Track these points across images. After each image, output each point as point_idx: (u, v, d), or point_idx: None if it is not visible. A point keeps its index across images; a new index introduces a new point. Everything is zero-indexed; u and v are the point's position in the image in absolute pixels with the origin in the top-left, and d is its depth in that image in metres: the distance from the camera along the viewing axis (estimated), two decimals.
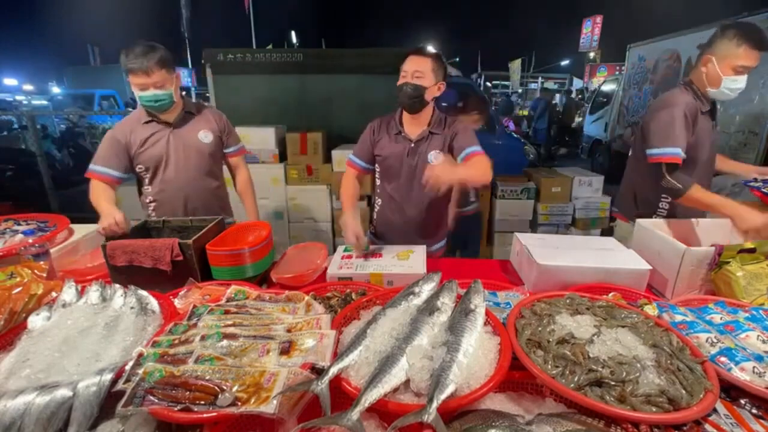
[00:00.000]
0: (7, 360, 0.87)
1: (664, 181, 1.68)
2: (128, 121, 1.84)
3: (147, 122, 1.81)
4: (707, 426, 0.77)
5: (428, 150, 1.74)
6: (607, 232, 3.66)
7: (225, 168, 2.13)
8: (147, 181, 1.88)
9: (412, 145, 1.75)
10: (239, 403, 0.71)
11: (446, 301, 0.99)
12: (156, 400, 0.72)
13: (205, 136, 1.89)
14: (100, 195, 1.69)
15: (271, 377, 0.76)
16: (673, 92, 1.77)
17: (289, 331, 0.92)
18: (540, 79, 23.43)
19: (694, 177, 1.74)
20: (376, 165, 1.85)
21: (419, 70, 1.62)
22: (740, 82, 1.62)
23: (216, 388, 0.73)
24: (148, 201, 1.92)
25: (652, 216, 1.88)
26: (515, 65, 17.47)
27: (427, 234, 1.89)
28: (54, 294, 1.14)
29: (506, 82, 20.54)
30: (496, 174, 3.82)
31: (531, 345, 0.91)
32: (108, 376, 0.78)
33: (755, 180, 1.77)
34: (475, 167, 1.61)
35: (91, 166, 1.74)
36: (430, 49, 1.65)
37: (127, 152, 1.79)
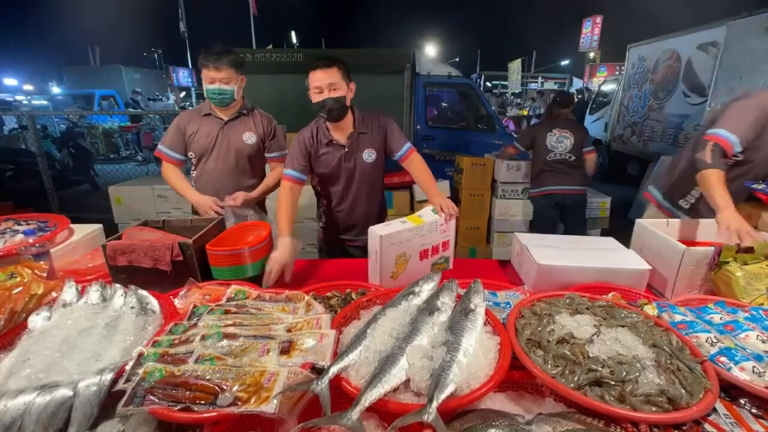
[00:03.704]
0: (7, 360, 0.87)
1: (700, 153, 1.62)
2: (191, 112, 2.09)
3: (206, 115, 2.02)
4: (707, 425, 0.77)
5: (361, 150, 1.87)
6: (607, 232, 3.66)
7: None
8: (193, 166, 2.10)
9: (346, 149, 1.85)
10: (239, 403, 0.71)
11: (446, 301, 0.99)
12: (156, 400, 0.72)
13: (249, 138, 2.05)
14: (176, 180, 1.99)
15: (272, 377, 0.76)
16: (763, 90, 1.72)
17: (289, 330, 0.92)
18: (540, 79, 23.43)
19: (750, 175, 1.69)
20: (313, 174, 1.95)
21: (333, 83, 1.69)
22: None
23: (216, 387, 0.73)
24: (191, 185, 2.09)
25: (678, 201, 1.92)
26: (515, 65, 17.43)
27: (370, 223, 1.94)
28: (54, 294, 1.14)
29: (506, 82, 20.53)
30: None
31: (531, 345, 0.91)
32: (108, 376, 0.78)
33: (757, 182, 1.78)
34: (429, 179, 1.86)
35: (159, 146, 2.03)
36: (329, 55, 1.74)
37: (184, 137, 2.01)
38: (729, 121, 1.64)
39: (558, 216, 3.36)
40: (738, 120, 1.63)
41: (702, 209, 1.85)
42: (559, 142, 3.22)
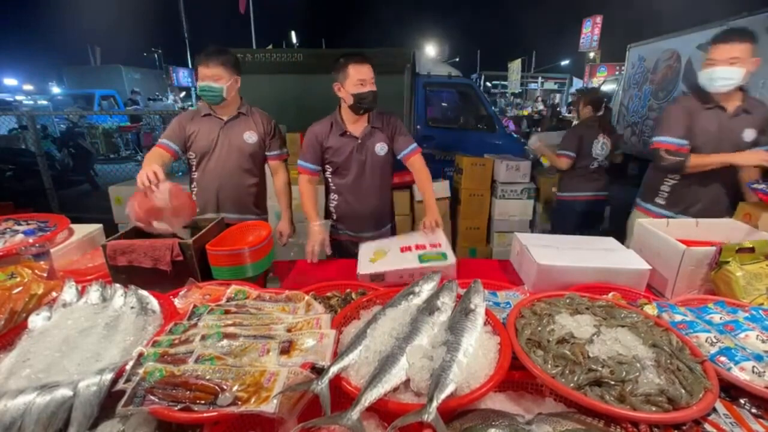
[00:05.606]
0: (7, 360, 0.87)
1: (665, 162, 1.91)
2: (191, 112, 2.12)
3: (205, 115, 2.03)
4: (707, 425, 0.77)
5: (374, 144, 1.96)
6: (607, 232, 3.65)
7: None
8: (194, 167, 2.10)
9: (359, 141, 1.94)
10: (239, 403, 0.71)
11: (446, 301, 0.99)
12: (156, 400, 0.72)
13: (250, 137, 2.06)
14: (150, 159, 1.90)
15: (272, 377, 0.76)
16: (682, 96, 2.00)
17: (289, 330, 0.92)
18: (540, 79, 23.42)
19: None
20: (326, 165, 2.02)
21: (372, 77, 1.83)
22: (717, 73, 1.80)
23: (216, 387, 0.73)
24: (192, 186, 2.13)
25: (654, 199, 2.11)
26: (515, 65, 17.42)
27: (379, 217, 2.12)
28: (54, 294, 1.14)
29: (506, 82, 20.52)
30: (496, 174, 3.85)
31: (531, 345, 0.91)
32: (108, 376, 0.78)
33: (758, 182, 1.78)
34: (428, 185, 1.95)
35: (161, 140, 2.00)
36: (364, 53, 1.86)
37: (185, 134, 2.02)
38: (661, 127, 1.96)
39: (580, 220, 3.33)
40: (667, 123, 1.94)
41: (679, 198, 2.03)
42: (602, 149, 3.19)
